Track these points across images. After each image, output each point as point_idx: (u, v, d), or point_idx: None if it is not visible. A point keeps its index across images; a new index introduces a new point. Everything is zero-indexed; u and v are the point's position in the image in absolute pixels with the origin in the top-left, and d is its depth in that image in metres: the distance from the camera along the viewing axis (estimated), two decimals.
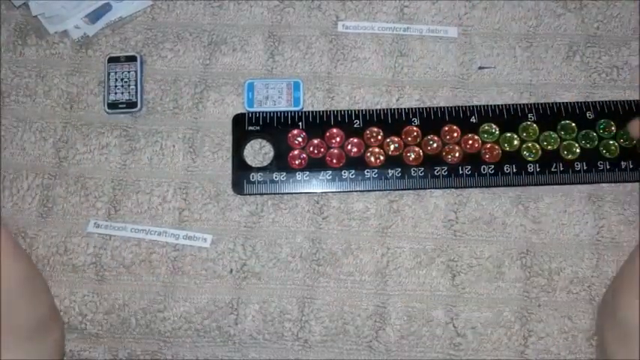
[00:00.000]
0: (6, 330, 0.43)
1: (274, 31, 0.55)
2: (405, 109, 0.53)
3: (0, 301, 0.42)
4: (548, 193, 0.51)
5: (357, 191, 0.51)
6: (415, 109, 0.53)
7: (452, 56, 0.55)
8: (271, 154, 0.52)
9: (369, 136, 0.52)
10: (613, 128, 0.52)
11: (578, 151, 0.51)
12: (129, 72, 0.53)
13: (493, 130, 0.52)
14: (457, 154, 0.51)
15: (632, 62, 0.54)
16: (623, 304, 0.42)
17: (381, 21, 0.55)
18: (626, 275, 0.44)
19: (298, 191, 0.51)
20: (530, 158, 0.51)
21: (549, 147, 0.51)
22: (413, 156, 0.51)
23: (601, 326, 0.46)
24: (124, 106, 0.53)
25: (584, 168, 0.51)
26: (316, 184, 0.51)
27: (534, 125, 0.52)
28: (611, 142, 0.51)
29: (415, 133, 0.52)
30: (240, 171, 0.51)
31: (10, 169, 0.52)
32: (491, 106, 0.52)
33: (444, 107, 0.53)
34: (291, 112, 0.53)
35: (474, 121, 0.52)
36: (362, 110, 0.53)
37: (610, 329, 0.44)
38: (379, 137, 0.52)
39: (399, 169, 0.51)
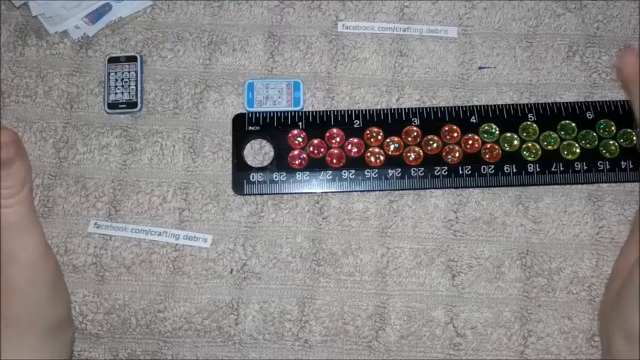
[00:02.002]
0: (31, 329, 0.44)
1: (274, 31, 0.55)
2: (405, 109, 0.53)
3: (29, 302, 0.44)
4: (548, 193, 0.51)
5: (357, 191, 0.51)
6: (415, 109, 0.53)
7: (452, 56, 0.55)
8: (271, 154, 0.52)
9: (369, 136, 0.52)
10: (613, 128, 0.52)
11: (578, 151, 0.51)
12: (129, 72, 0.53)
13: (493, 130, 0.52)
14: (457, 154, 0.51)
15: None
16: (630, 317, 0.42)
17: (381, 21, 0.55)
18: (631, 289, 0.43)
19: (298, 191, 0.51)
20: (530, 158, 0.51)
21: (549, 147, 0.51)
22: (413, 156, 0.51)
23: (606, 332, 0.46)
24: (124, 106, 0.53)
25: (584, 168, 0.51)
26: (316, 184, 0.51)
27: (534, 125, 0.52)
28: (611, 142, 0.51)
29: (415, 133, 0.52)
30: (240, 171, 0.51)
31: None
32: (491, 106, 0.53)
33: (444, 107, 0.53)
34: (291, 112, 0.53)
35: (474, 121, 0.52)
36: (362, 110, 0.53)
37: (618, 334, 0.44)
38: (379, 137, 0.52)
39: (399, 169, 0.51)
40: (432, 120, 0.52)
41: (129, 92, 0.53)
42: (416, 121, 0.52)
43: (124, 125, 0.53)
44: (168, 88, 0.54)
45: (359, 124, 0.52)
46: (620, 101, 0.52)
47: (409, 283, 0.49)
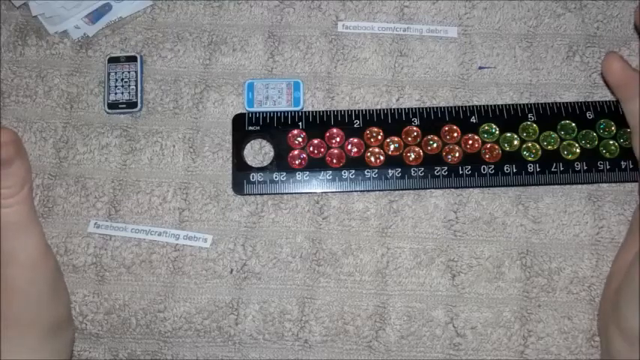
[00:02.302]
0: (31, 329, 0.44)
1: (274, 31, 0.55)
2: (405, 109, 0.53)
3: (29, 302, 0.44)
4: (548, 193, 0.51)
5: (357, 191, 0.51)
6: (415, 109, 0.53)
7: (452, 56, 0.55)
8: (271, 154, 0.52)
9: (369, 136, 0.52)
10: (613, 128, 0.52)
11: (578, 151, 0.51)
12: (129, 72, 0.53)
13: (493, 130, 0.52)
14: (457, 154, 0.51)
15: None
16: (630, 316, 0.42)
17: (381, 21, 0.55)
18: (630, 287, 0.43)
19: (298, 191, 0.51)
20: (530, 158, 0.51)
21: (549, 147, 0.51)
22: (413, 156, 0.51)
23: (605, 331, 0.46)
24: (124, 106, 0.53)
25: (584, 168, 0.51)
26: (316, 184, 0.51)
27: (534, 125, 0.52)
28: (611, 142, 0.51)
29: (415, 133, 0.52)
30: (240, 171, 0.51)
31: None
32: (491, 106, 0.53)
33: (444, 107, 0.53)
34: (291, 112, 0.53)
35: (474, 121, 0.52)
36: (362, 110, 0.53)
37: (617, 334, 0.44)
38: (379, 137, 0.52)
39: (399, 169, 0.51)
40: (432, 120, 0.52)
41: (129, 92, 0.53)
42: (416, 121, 0.52)
43: (124, 125, 0.53)
44: (168, 88, 0.54)
45: (359, 124, 0.52)
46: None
47: (409, 283, 0.49)
